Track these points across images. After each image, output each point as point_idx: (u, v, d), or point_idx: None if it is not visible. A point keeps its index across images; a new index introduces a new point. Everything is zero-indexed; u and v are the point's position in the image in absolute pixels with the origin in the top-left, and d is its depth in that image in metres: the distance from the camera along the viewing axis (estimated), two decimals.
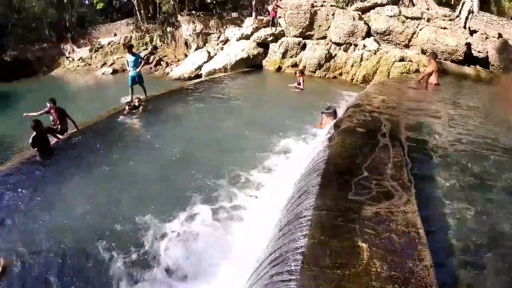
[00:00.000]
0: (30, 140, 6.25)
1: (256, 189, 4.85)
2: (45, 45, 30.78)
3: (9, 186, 5.27)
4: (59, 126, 7.15)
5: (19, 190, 5.14)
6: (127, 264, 3.59)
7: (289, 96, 10.44)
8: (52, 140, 6.95)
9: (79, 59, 26.40)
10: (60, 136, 7.20)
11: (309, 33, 13.89)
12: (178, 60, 18.66)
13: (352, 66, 12.29)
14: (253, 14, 16.00)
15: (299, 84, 10.57)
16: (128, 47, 10.33)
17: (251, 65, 14.30)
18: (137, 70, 9.62)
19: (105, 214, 4.38)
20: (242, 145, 6.41)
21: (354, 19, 12.89)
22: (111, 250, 3.75)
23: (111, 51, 23.63)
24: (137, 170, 5.64)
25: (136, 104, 9.23)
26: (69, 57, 28.05)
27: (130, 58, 9.74)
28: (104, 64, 22.57)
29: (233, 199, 4.57)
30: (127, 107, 9.07)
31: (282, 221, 2.98)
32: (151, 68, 19.04)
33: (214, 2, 21.42)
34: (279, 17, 14.92)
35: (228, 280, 3.23)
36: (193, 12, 19.74)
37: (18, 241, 4.12)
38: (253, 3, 16.01)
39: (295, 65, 13.29)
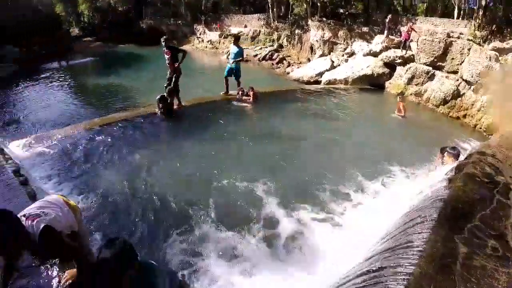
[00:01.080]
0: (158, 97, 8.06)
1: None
2: (179, 22, 33.96)
3: (135, 128, 7.29)
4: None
5: (144, 132, 7.10)
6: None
7: (398, 124, 10.14)
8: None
9: (208, 41, 28.69)
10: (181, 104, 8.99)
11: (440, 63, 13.33)
12: (300, 63, 19.27)
13: (479, 110, 11.52)
14: (385, 32, 15.86)
15: (399, 110, 10.26)
16: (235, 39, 10.67)
17: (373, 84, 14.21)
18: (231, 62, 10.01)
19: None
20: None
21: (490, 59, 12.09)
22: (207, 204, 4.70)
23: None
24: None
25: (248, 92, 10.06)
26: (200, 37, 30.63)
27: (234, 49, 10.14)
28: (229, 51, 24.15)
29: (320, 212, 4.76)
30: (240, 93, 10.09)
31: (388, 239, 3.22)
32: (273, 64, 20.06)
33: (347, 13, 21.61)
34: (411, 40, 14.64)
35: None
36: (324, 19, 20.13)
37: (130, 178, 5.38)
38: (387, 21, 15.89)
39: (418, 94, 12.87)
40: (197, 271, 3.64)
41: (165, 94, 8.26)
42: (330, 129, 8.74)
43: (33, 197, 3.94)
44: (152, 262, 3.52)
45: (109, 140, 6.63)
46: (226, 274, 3.60)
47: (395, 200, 4.65)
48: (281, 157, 6.44)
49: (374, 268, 2.57)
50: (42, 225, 2.34)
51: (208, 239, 4.08)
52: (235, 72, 10.22)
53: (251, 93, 9.98)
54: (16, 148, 6.06)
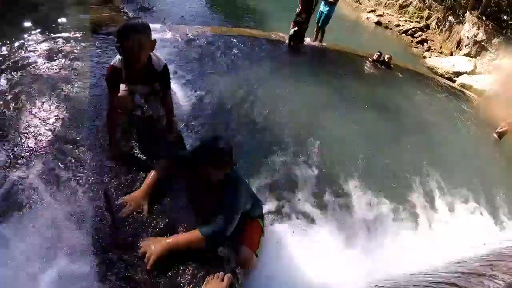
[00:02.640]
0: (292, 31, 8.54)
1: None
2: None
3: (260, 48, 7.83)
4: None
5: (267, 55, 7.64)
6: None
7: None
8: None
9: None
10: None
11: None
12: (442, 52, 18.82)
13: None
14: None
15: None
16: None
17: None
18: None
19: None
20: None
21: None
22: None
23: (386, 4, 24.50)
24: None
25: (386, 59, 10.17)
26: None
27: None
28: (372, 11, 23.76)
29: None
30: (374, 57, 10.20)
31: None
32: (412, 41, 19.78)
33: (510, 22, 20.08)
34: None
35: None
36: (484, 18, 19.01)
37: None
38: None
39: None
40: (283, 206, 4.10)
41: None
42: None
43: None
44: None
45: (231, 50, 7.05)
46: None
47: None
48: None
49: None
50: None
51: (303, 180, 4.49)
52: (324, 19, 9.54)
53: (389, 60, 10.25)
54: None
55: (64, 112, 3.10)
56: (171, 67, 4.81)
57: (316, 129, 5.80)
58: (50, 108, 3.11)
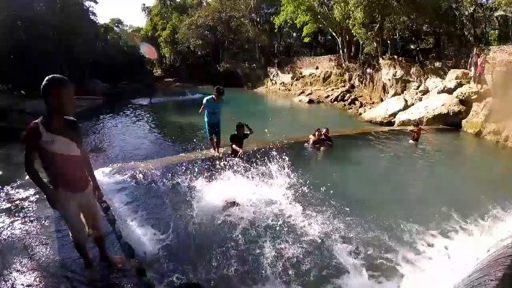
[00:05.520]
0: None
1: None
2: (254, 65, 36.57)
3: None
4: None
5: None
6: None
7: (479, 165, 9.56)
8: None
9: (281, 83, 30.60)
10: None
11: None
12: (373, 103, 19.64)
13: None
14: (472, 69, 14.82)
15: None
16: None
17: (449, 123, 14.03)
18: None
19: None
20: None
21: None
22: None
23: (310, 82, 26.44)
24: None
25: (323, 136, 9.82)
26: (273, 79, 32.72)
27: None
28: (302, 93, 25.47)
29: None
30: (312, 137, 9.83)
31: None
32: (345, 105, 20.74)
33: (418, 49, 21.74)
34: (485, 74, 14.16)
35: None
36: (395, 56, 20.37)
37: None
38: (473, 55, 14.94)
39: (497, 132, 12.42)
40: None
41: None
42: (406, 172, 8.61)
43: (112, 222, 4.25)
44: None
45: (179, 177, 6.79)
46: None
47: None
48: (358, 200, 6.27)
49: None
50: None
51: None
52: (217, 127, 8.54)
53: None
54: (100, 175, 6.48)
55: None
56: (130, 208, 5.47)
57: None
58: None
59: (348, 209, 5.63)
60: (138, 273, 3.54)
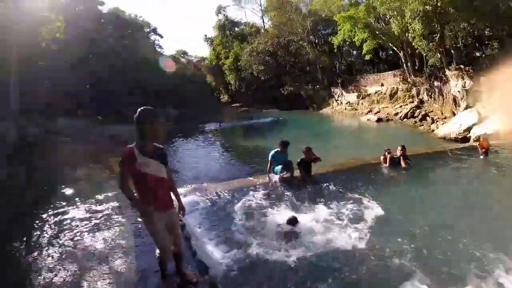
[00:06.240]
0: None
1: None
2: (317, 86, 37.23)
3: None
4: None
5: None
6: None
7: None
8: None
9: (346, 103, 30.89)
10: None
11: None
12: (445, 118, 19.21)
13: None
14: None
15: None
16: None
17: None
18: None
19: None
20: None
21: None
22: None
23: (377, 100, 26.49)
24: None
25: (398, 155, 9.09)
26: (338, 99, 33.08)
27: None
28: (369, 111, 25.59)
29: None
30: (383, 157, 9.21)
31: None
32: (415, 122, 20.64)
33: (483, 55, 20.96)
34: None
35: None
36: (461, 66, 19.80)
37: None
38: None
39: None
40: None
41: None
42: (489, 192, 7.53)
43: (188, 240, 4.72)
44: None
45: (249, 199, 7.05)
46: None
47: None
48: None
49: None
50: None
51: None
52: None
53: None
54: None
55: None
56: (203, 229, 5.77)
57: None
58: None
59: (427, 234, 5.28)
60: None
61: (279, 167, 8.13)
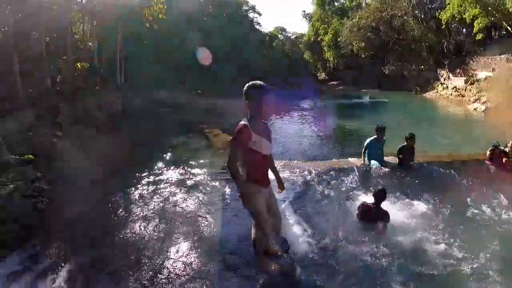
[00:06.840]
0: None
1: None
2: (422, 67, 35.49)
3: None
4: None
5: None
6: None
7: None
8: None
9: (453, 88, 28.98)
10: None
11: None
12: None
13: None
14: None
15: None
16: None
17: None
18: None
19: None
20: None
21: None
22: None
23: (486, 88, 24.74)
24: None
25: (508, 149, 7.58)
26: (444, 83, 31.26)
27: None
28: (477, 100, 24.16)
29: None
30: (488, 152, 7.70)
31: None
32: None
33: None
34: None
35: None
36: None
37: None
38: None
39: None
40: None
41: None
42: None
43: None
44: None
45: (342, 182, 6.74)
46: None
47: None
48: None
49: None
50: None
51: None
52: None
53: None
54: None
55: None
56: (292, 205, 5.59)
57: None
58: None
59: None
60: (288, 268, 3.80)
61: (376, 163, 7.59)
